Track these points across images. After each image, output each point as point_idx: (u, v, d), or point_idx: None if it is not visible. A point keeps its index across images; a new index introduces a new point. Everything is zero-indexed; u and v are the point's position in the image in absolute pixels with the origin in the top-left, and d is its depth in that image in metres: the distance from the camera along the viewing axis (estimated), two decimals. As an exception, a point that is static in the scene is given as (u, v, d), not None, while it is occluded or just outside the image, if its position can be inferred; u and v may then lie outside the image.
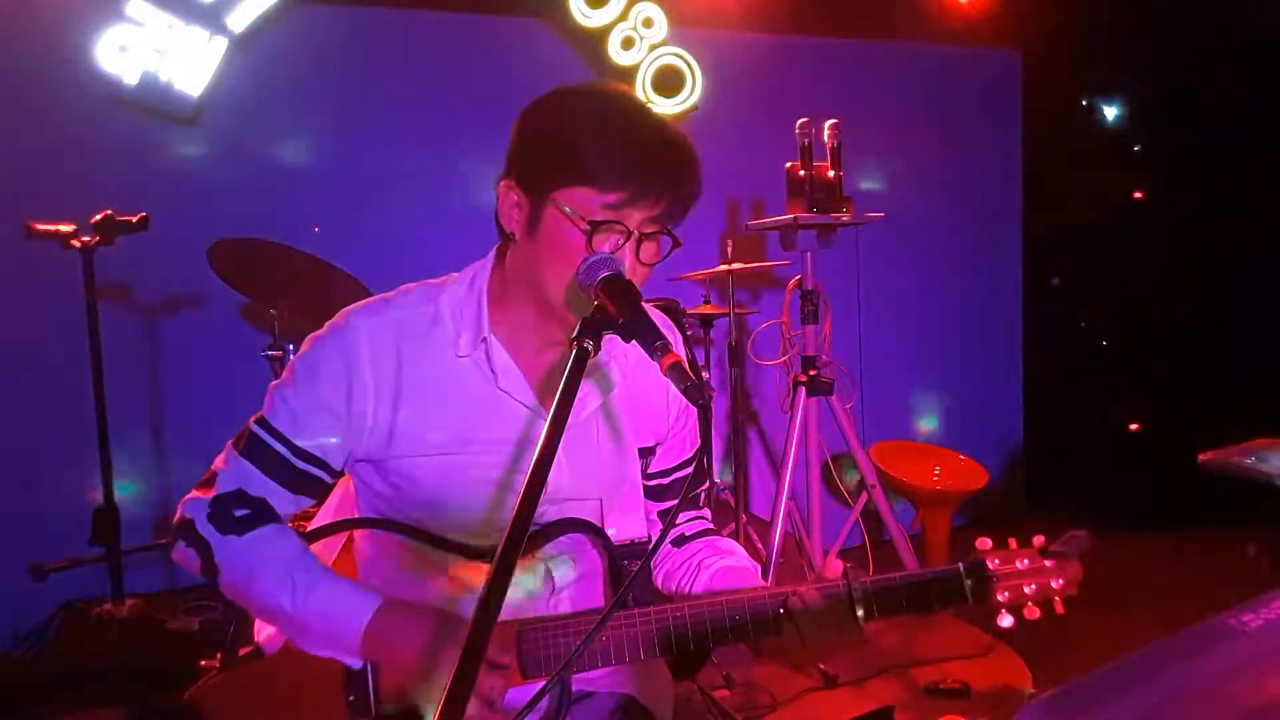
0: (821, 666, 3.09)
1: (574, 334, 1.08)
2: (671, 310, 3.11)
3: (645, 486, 1.46)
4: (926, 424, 4.70)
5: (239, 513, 1.27)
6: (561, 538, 1.30)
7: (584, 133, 1.18)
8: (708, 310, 3.70)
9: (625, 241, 1.20)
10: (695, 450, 1.49)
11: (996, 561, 1.19)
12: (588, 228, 1.17)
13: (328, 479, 1.32)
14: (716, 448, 4.12)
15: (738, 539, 3.52)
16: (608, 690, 1.39)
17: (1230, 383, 4.44)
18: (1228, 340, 4.59)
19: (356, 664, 1.23)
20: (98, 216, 2.76)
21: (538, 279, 1.23)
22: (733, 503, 3.61)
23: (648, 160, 1.19)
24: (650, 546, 1.39)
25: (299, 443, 1.27)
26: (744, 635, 1.20)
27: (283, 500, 1.30)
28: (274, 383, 1.31)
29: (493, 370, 1.28)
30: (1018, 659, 3.21)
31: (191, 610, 3.29)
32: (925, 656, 3.23)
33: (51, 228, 2.77)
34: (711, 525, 1.53)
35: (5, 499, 3.26)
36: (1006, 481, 5.02)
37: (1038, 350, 5.14)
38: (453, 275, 1.36)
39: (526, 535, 0.93)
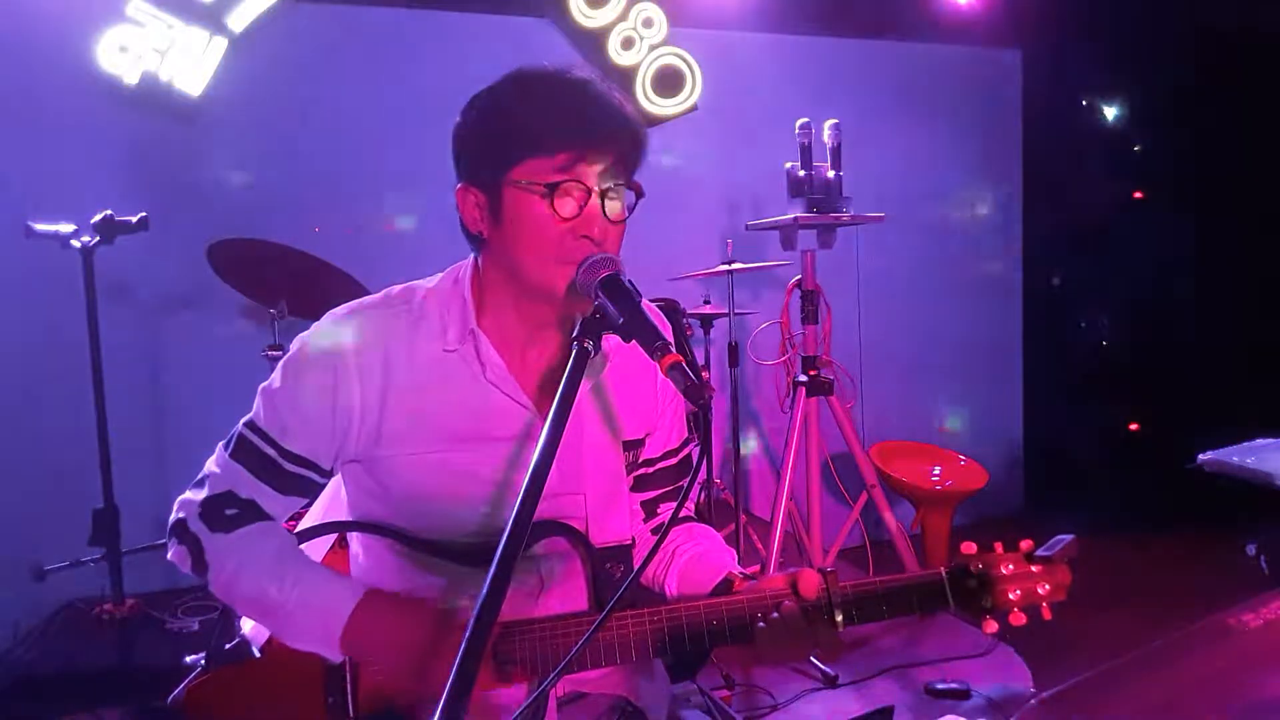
0: (822, 666, 3.09)
1: (574, 334, 1.08)
2: (671, 310, 3.11)
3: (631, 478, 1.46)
4: (926, 424, 4.70)
5: (229, 512, 1.28)
6: (549, 537, 1.29)
7: (516, 107, 1.21)
8: (708, 310, 3.70)
9: (588, 201, 1.19)
10: (682, 440, 1.49)
11: (980, 566, 1.17)
12: (545, 190, 1.17)
13: (318, 479, 1.32)
14: (716, 448, 4.12)
15: (738, 539, 3.53)
16: (600, 691, 1.39)
17: (1230, 383, 4.43)
18: (1227, 340, 4.58)
19: (337, 658, 1.23)
20: (98, 216, 2.76)
21: (515, 264, 1.23)
22: (732, 503, 3.61)
23: (582, 113, 1.20)
24: (636, 551, 1.39)
25: (287, 445, 1.27)
26: (722, 639, 1.20)
27: (272, 501, 1.30)
28: (262, 385, 1.31)
29: (481, 362, 1.28)
30: (1018, 659, 3.21)
31: (191, 610, 3.29)
32: (925, 656, 3.23)
33: (51, 228, 2.78)
34: (692, 513, 1.53)
35: (6, 499, 3.25)
36: (1006, 481, 5.02)
37: (1037, 350, 5.14)
38: (435, 275, 1.36)
39: (527, 534, 0.93)
